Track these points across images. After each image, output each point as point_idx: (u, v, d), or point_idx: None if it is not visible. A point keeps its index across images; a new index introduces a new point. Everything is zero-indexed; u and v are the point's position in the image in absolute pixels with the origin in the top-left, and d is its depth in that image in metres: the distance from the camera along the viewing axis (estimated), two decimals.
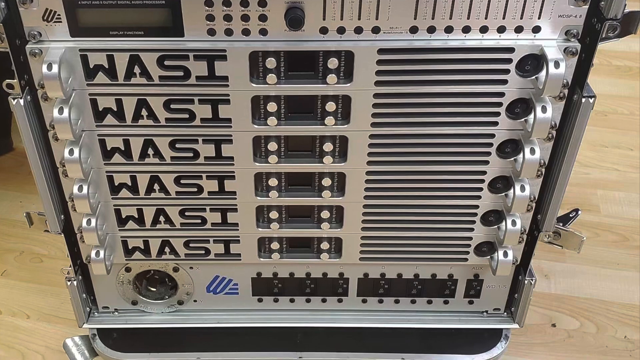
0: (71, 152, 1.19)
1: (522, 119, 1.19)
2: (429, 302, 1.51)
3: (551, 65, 1.09)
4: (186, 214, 1.34)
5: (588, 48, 1.12)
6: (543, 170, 1.24)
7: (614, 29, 1.10)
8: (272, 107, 1.18)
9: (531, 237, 1.36)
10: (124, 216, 1.34)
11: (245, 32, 1.11)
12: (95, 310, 1.52)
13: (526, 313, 1.47)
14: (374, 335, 1.53)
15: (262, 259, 1.41)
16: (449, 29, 1.12)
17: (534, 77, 1.14)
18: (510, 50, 1.13)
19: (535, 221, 1.34)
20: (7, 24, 1.08)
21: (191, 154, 1.25)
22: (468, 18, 1.11)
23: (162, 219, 1.34)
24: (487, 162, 1.25)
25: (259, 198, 1.31)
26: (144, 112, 1.19)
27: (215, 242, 1.39)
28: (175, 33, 1.12)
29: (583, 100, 1.14)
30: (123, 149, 1.24)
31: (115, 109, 1.19)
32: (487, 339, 1.53)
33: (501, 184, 1.28)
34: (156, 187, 1.30)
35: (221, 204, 1.32)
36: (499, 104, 1.18)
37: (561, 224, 1.38)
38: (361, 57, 1.13)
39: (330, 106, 1.18)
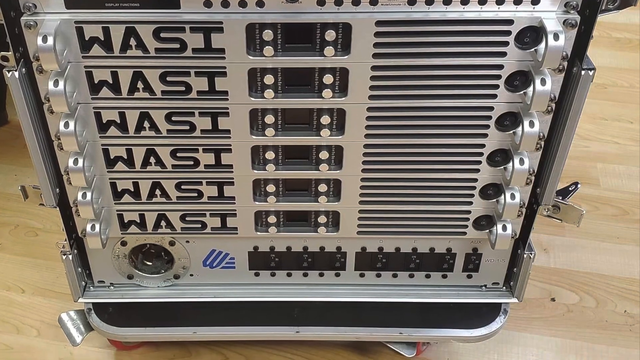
0: (66, 125, 1.19)
1: (521, 92, 1.20)
2: (427, 276, 1.52)
3: (550, 37, 1.10)
4: (182, 187, 1.35)
5: (587, 20, 1.13)
6: (542, 143, 1.25)
7: (614, 0, 1.11)
8: (269, 79, 1.19)
9: (530, 210, 1.37)
10: (119, 189, 1.35)
11: (242, 4, 1.12)
12: (90, 285, 1.53)
13: (525, 287, 1.48)
14: (371, 310, 1.54)
15: (259, 233, 1.43)
16: (447, 1, 1.12)
17: (533, 50, 1.15)
18: (509, 22, 1.13)
19: (535, 194, 1.35)
20: None
21: (187, 127, 1.26)
22: None
23: (158, 192, 1.35)
24: (485, 135, 1.26)
25: (255, 171, 1.32)
26: (139, 85, 1.20)
27: (211, 216, 1.40)
28: (171, 5, 1.13)
29: (582, 72, 1.15)
30: (119, 122, 1.25)
31: (110, 82, 1.20)
32: (485, 313, 1.53)
33: (500, 157, 1.29)
34: (152, 160, 1.30)
35: (218, 177, 1.33)
36: (498, 77, 1.19)
37: (560, 198, 1.39)
38: (359, 29, 1.14)
39: (328, 79, 1.19)
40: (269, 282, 1.54)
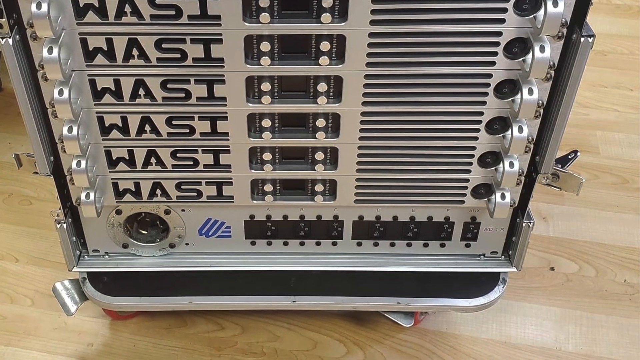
0: (61, 92, 1.21)
1: (520, 59, 1.22)
2: (425, 245, 1.53)
3: (549, 3, 1.11)
4: (178, 155, 1.36)
5: None
6: (541, 111, 1.26)
7: None
8: (265, 46, 1.20)
9: (529, 179, 1.39)
10: (114, 158, 1.37)
11: None
12: (85, 254, 1.54)
13: (524, 256, 1.49)
14: (369, 279, 1.55)
15: (255, 202, 1.44)
16: None
17: (532, 16, 1.16)
18: None
19: (534, 163, 1.37)
20: None
21: (183, 95, 1.27)
22: None
23: (153, 160, 1.37)
24: (484, 103, 1.28)
25: (252, 139, 1.34)
26: (134, 52, 1.22)
27: (207, 184, 1.41)
28: None
29: (582, 39, 1.17)
30: (114, 89, 1.26)
31: (105, 49, 1.21)
32: (484, 282, 1.55)
33: (499, 125, 1.31)
34: (147, 128, 1.32)
35: (213, 145, 1.35)
36: (497, 44, 1.21)
37: (560, 166, 1.41)
38: None
39: (325, 45, 1.20)
40: (265, 251, 1.55)
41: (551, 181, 1.40)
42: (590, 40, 1.17)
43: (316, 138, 1.33)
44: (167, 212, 1.47)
